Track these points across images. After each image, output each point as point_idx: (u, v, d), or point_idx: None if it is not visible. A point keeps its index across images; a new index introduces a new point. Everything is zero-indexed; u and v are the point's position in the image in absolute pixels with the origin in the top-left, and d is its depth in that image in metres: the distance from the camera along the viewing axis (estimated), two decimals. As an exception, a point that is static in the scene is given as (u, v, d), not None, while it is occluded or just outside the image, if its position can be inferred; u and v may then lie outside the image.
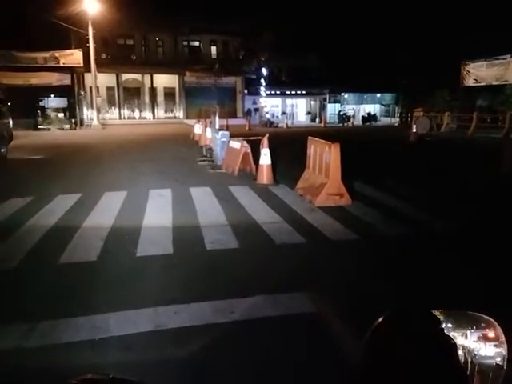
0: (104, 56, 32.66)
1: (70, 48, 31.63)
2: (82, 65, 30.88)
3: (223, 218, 6.29)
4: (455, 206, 7.20)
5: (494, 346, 0.74)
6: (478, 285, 4.04)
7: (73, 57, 31.28)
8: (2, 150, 12.92)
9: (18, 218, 6.28)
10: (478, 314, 0.78)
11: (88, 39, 28.83)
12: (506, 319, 0.85)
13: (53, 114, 29.46)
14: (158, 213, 6.57)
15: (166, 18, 31.33)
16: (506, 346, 0.74)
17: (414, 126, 21.74)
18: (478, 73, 30.51)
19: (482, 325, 0.76)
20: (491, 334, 0.75)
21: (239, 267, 4.52)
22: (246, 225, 6.01)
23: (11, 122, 14.56)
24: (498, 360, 0.73)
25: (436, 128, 26.94)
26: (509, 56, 27.58)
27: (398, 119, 39.78)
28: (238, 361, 2.88)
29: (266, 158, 9.06)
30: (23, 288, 4.03)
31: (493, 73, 29.26)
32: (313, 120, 41.31)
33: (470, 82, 31.13)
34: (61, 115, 29.90)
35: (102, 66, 30.72)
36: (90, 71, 29.53)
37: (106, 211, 6.67)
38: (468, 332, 0.75)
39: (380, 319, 0.79)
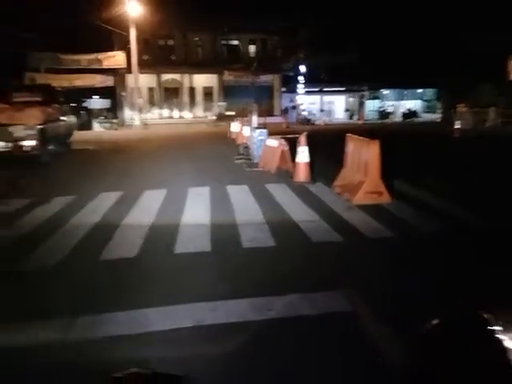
0: (145, 57, 33.41)
1: (112, 50, 32.60)
2: (124, 66, 31.76)
3: (260, 216, 6.31)
4: (498, 204, 6.90)
5: None
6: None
7: (115, 59, 32.22)
8: (68, 141, 15.65)
9: (63, 216, 6.54)
10: None
11: (129, 41, 29.57)
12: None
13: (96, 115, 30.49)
14: (197, 211, 6.68)
15: (205, 17, 31.71)
16: None
17: (458, 122, 21.04)
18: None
19: None
20: None
21: (276, 265, 4.52)
22: (283, 223, 6.01)
23: (74, 119, 17.04)
24: None
25: (481, 124, 25.98)
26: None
27: (440, 115, 38.58)
28: (274, 358, 2.89)
29: (303, 155, 9.01)
30: (65, 283, 4.20)
31: (543, 65, 27.90)
32: (351, 117, 40.72)
33: (516, 76, 29.79)
34: (103, 116, 30.93)
35: (143, 67, 31.43)
36: (131, 72, 30.27)
37: (146, 209, 6.84)
38: None
39: (432, 322, 0.78)
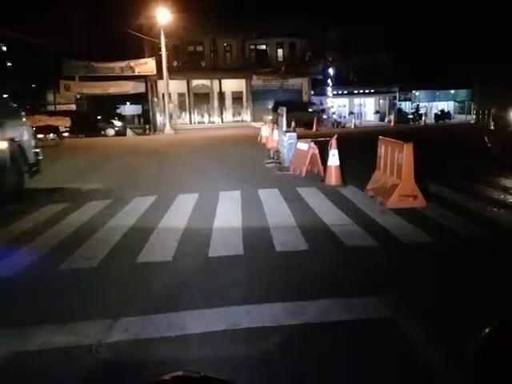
0: (175, 63, 33.99)
1: (143, 57, 33.34)
2: (155, 73, 32.44)
3: (292, 220, 6.30)
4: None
5: None
6: None
7: (146, 65, 32.93)
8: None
9: (100, 219, 6.71)
10: None
11: (160, 48, 30.16)
12: None
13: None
14: (228, 214, 6.72)
15: (233, 23, 32.01)
16: None
17: (492, 124, 20.42)
18: None
19: None
20: None
21: (310, 269, 4.50)
22: (315, 227, 5.97)
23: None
24: None
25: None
26: None
27: (473, 116, 37.56)
28: (307, 363, 2.88)
29: (334, 158, 8.95)
30: (104, 285, 4.30)
31: None
32: (382, 119, 40.17)
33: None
34: (136, 122, 31.62)
35: (173, 74, 31.99)
36: (162, 79, 30.85)
37: (180, 213, 6.94)
38: None
39: (486, 330, 0.78)
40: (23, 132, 9.13)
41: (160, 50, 30.25)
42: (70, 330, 3.38)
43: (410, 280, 4.20)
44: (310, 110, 32.54)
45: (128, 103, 33.86)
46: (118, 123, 28.82)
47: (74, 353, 3.06)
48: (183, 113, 37.22)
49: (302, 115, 30.09)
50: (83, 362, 2.96)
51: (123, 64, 32.49)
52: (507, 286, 3.97)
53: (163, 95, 32.33)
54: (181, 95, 36.90)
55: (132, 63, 32.90)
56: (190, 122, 36.74)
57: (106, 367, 2.93)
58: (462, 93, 41.92)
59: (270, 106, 31.91)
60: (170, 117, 31.27)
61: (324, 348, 3.05)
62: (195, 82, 37.26)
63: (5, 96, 9.02)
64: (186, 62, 35.25)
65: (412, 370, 2.77)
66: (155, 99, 34.16)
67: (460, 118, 39.62)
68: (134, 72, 32.99)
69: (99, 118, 28.39)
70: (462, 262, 4.68)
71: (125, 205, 7.61)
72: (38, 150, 9.57)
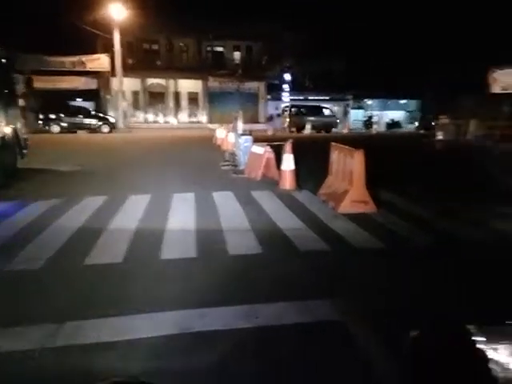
0: (130, 61, 33.26)
1: (96, 53, 32.38)
2: (108, 69, 31.57)
3: (246, 223, 6.29)
4: (481, 216, 7.01)
5: None
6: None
7: (99, 61, 32.02)
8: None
9: (47, 219, 6.42)
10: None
11: (114, 44, 29.41)
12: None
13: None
14: (182, 216, 6.62)
15: (191, 23, 31.77)
16: None
17: (440, 133, 21.43)
18: (506, 80, 29.90)
19: (504, 341, 0.76)
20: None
21: (263, 273, 4.50)
22: (269, 230, 5.99)
23: None
24: None
25: (462, 135, 26.48)
26: (538, 64, 26.97)
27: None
28: (259, 366, 2.87)
29: (288, 163, 9.03)
30: (48, 288, 4.10)
31: (521, 81, 28.64)
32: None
33: (496, 89, 30.52)
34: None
35: (127, 71, 31.28)
36: (115, 76, 30.09)
37: (131, 214, 6.76)
38: (499, 346, 0.74)
39: (415, 332, 0.80)
40: (18, 120, 10.76)
41: (114, 47, 29.50)
42: (11, 335, 3.19)
43: (361, 284, 4.29)
44: (327, 114, 33.83)
45: (79, 99, 32.70)
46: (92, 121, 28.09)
47: (16, 358, 2.89)
48: (137, 111, 36.47)
49: (319, 120, 32.28)
50: (25, 368, 2.81)
51: (75, 59, 31.41)
52: (454, 290, 4.14)
53: (116, 92, 31.52)
54: (135, 93, 36.17)
55: (84, 58, 31.87)
56: (145, 121, 36.06)
57: (49, 373, 2.79)
58: (412, 103, 43.71)
59: (282, 108, 33.71)
60: (124, 115, 30.54)
61: (278, 351, 3.05)
62: (150, 81, 36.65)
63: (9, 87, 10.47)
64: (140, 60, 34.60)
65: (361, 372, 2.82)
66: (108, 96, 33.25)
67: (410, 127, 41.23)
68: (85, 67, 31.97)
69: (42, 114, 27.02)
70: (412, 268, 4.83)
71: (74, 205, 7.32)
72: (26, 136, 11.14)
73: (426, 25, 33.33)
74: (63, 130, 27.23)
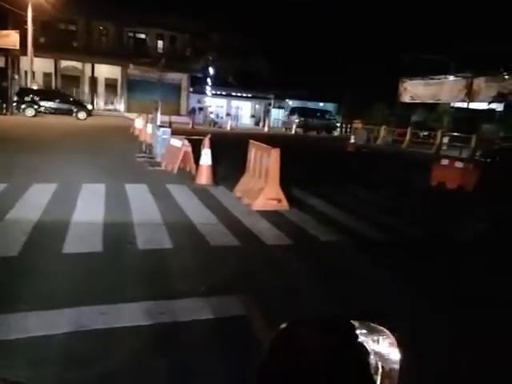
0: (43, 40, 31.03)
1: (6, 29, 29.76)
2: (17, 47, 29.15)
3: (158, 217, 6.15)
4: (386, 216, 7.50)
5: (397, 352, 0.78)
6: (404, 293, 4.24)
7: (8, 38, 29.43)
8: None
9: None
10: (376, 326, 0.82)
11: (26, 21, 27.24)
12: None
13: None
14: (89, 208, 6.29)
15: (112, 6, 30.35)
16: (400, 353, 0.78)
17: (353, 137, 22.57)
18: (415, 90, 32.30)
19: (384, 333, 0.80)
20: (392, 341, 0.79)
21: (172, 268, 4.43)
22: (182, 225, 5.91)
23: None
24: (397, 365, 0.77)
25: (373, 140, 28.13)
26: (443, 77, 29.42)
27: (338, 129, 41.07)
28: (160, 363, 2.81)
29: (206, 158, 8.98)
30: None
31: (428, 91, 31.10)
32: (257, 124, 41.65)
33: (406, 98, 32.87)
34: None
35: (39, 51, 29.17)
36: (26, 55, 27.89)
37: (33, 204, 6.30)
38: (380, 338, 0.77)
39: (282, 326, 0.81)
40: None
41: (26, 24, 27.31)
42: None
43: (267, 279, 4.38)
44: (327, 117, 38.44)
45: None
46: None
47: None
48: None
49: (320, 122, 37.06)
50: None
51: (-21, 33, 28.63)
52: (360, 285, 4.37)
53: (26, 73, 29.24)
54: (47, 75, 33.83)
55: (-9, 33, 29.16)
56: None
57: None
58: (330, 106, 45.50)
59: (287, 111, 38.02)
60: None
61: (179, 348, 3.00)
62: (64, 63, 34.49)
63: None
64: (55, 40, 32.38)
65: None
66: (16, 76, 30.73)
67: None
68: (-8, 43, 29.26)
69: None
70: (315, 262, 5.05)
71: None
72: None
73: (345, 31, 34.85)
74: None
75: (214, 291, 3.90)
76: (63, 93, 29.72)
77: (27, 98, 26.19)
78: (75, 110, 27.67)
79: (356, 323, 0.79)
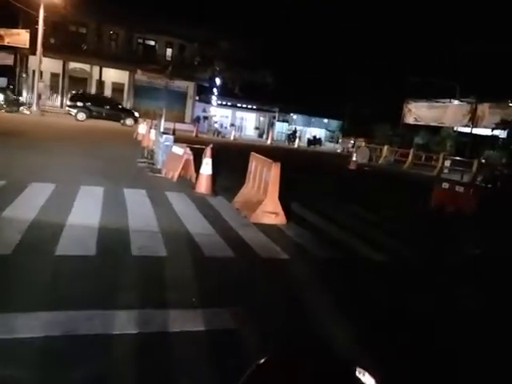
0: (52, 41, 31.28)
1: (17, 27, 30.07)
2: (27, 46, 29.42)
3: (155, 224, 6.11)
4: (383, 238, 7.45)
5: None
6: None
7: (19, 37, 29.76)
8: None
9: None
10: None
11: (38, 21, 27.47)
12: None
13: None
14: (86, 211, 6.25)
15: (124, 11, 30.65)
16: None
17: (355, 155, 22.61)
18: (419, 112, 32.46)
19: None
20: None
21: (163, 276, 4.37)
22: (178, 233, 5.87)
23: None
24: None
25: (375, 159, 28.19)
26: (448, 100, 29.58)
27: (340, 146, 41.22)
28: (145, 373, 2.76)
29: (207, 167, 8.96)
30: None
31: (432, 114, 31.26)
32: (260, 136, 41.84)
33: (410, 119, 33.03)
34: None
35: (48, 51, 29.38)
36: (35, 54, 28.10)
37: (30, 203, 6.27)
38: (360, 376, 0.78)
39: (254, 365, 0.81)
40: None
41: (37, 24, 27.54)
42: None
43: (259, 293, 4.33)
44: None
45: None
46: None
47: None
48: (55, 95, 34.29)
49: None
50: None
51: (-9, 30, 28.90)
52: (352, 301, 4.32)
53: (34, 72, 29.42)
54: (54, 75, 34.02)
55: (2, 31, 29.41)
56: (62, 106, 33.96)
57: None
58: (334, 123, 45.78)
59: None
60: (39, 97, 28.54)
61: (167, 358, 2.95)
62: (73, 65, 34.71)
63: None
64: (65, 42, 32.62)
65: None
66: (24, 75, 30.92)
67: (329, 145, 43.10)
68: (3, 42, 29.50)
69: None
70: (310, 279, 4.99)
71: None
72: None
73: (354, 49, 35.20)
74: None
75: (205, 303, 3.85)
76: (113, 100, 30.84)
77: (79, 104, 27.36)
78: (123, 116, 28.86)
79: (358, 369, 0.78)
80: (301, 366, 0.77)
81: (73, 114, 27.16)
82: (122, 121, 28.74)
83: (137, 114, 30.26)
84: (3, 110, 25.61)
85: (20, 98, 28.32)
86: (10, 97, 26.90)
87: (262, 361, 0.76)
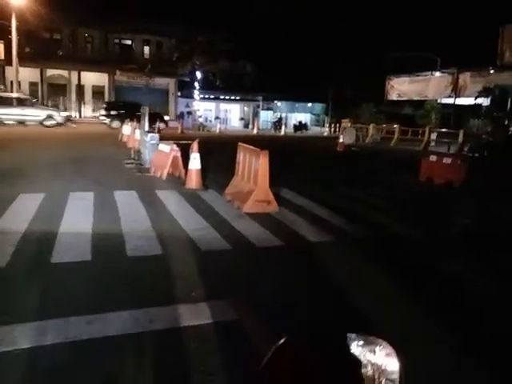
0: (28, 49, 30.81)
1: (-10, 39, 29.58)
2: (2, 57, 28.98)
3: (148, 224, 6.10)
4: (374, 215, 7.51)
5: (395, 363, 0.78)
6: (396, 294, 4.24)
7: (-7, 49, 29.25)
8: None
9: None
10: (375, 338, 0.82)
11: (11, 31, 27.00)
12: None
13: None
14: (78, 217, 6.23)
15: (97, 13, 30.23)
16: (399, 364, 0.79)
17: (341, 136, 22.64)
18: (401, 88, 32.43)
19: (382, 344, 0.80)
20: (389, 352, 0.79)
21: (161, 275, 4.38)
22: (172, 231, 5.87)
23: None
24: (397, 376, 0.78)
25: (362, 139, 28.25)
26: (429, 73, 29.60)
27: (327, 129, 41.24)
28: (154, 373, 2.78)
29: (195, 162, 8.94)
30: None
31: (414, 88, 31.23)
32: (246, 126, 41.67)
33: (393, 96, 33.02)
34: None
35: (24, 60, 28.93)
36: (11, 65, 27.67)
37: (21, 214, 6.23)
38: (377, 349, 0.78)
39: (275, 345, 0.82)
40: None
41: (10, 34, 27.07)
42: None
43: (258, 282, 4.36)
44: None
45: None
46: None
47: None
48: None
49: None
50: None
51: (-38, 43, 28.39)
52: (348, 287, 4.37)
53: (12, 83, 28.99)
54: (33, 84, 33.58)
55: (-26, 43, 28.93)
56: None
57: None
58: (318, 106, 45.71)
59: None
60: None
61: (170, 355, 2.97)
62: (51, 72, 34.25)
63: None
64: (40, 49, 32.13)
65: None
66: (1, 86, 30.47)
67: (316, 129, 43.08)
68: (-25, 53, 29.05)
69: None
70: (306, 264, 5.04)
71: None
72: None
73: (332, 31, 35.10)
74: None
75: (205, 297, 3.87)
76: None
77: (113, 112, 28.41)
78: (158, 120, 28.56)
79: (353, 335, 0.79)
80: (319, 349, 0.78)
81: (107, 122, 28.18)
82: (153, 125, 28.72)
83: (166, 118, 31.27)
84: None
85: None
86: None
87: (281, 342, 0.78)
